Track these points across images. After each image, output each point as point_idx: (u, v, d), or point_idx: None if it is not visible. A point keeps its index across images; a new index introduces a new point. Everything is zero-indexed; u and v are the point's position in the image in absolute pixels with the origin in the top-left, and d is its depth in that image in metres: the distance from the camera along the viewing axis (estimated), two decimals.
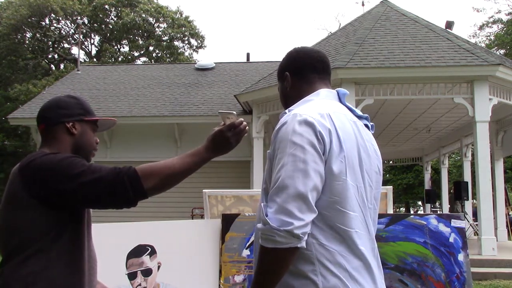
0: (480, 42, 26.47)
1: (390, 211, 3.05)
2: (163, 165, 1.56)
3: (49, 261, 1.53)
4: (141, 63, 29.43)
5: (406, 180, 29.04)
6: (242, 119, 1.66)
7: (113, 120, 1.88)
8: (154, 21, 30.43)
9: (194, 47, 31.67)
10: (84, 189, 1.50)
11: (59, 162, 1.53)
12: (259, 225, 1.38)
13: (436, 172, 22.18)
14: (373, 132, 1.70)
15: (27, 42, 28.89)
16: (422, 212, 26.10)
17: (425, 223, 2.89)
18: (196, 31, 31.01)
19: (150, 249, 2.92)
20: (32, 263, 1.51)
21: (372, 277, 1.51)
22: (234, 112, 1.66)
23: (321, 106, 1.53)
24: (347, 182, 1.46)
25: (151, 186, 1.52)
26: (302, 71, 1.69)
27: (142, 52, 31.70)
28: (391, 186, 3.30)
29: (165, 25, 30.78)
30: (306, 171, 1.38)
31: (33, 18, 27.36)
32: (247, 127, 1.66)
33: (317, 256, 1.42)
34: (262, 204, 1.42)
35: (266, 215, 1.36)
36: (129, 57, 31.07)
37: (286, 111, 1.59)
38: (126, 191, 1.50)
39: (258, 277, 1.42)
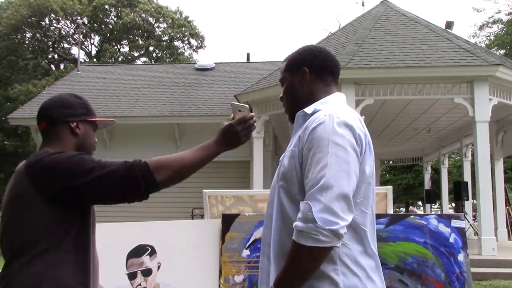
0: (480, 42, 26.48)
1: (390, 211, 3.05)
2: (174, 158, 1.56)
3: (55, 260, 1.49)
4: (141, 63, 29.42)
5: (406, 180, 29.05)
6: (254, 114, 1.65)
7: (113, 120, 1.90)
8: (154, 21, 30.43)
9: (194, 47, 31.68)
10: (96, 184, 1.49)
11: (68, 159, 1.52)
12: (299, 223, 1.35)
13: (436, 172, 22.18)
14: None
15: (27, 42, 28.88)
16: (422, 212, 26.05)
17: (425, 223, 2.89)
18: (196, 31, 31.00)
19: (150, 249, 2.92)
20: (38, 263, 1.48)
21: (381, 277, 1.53)
22: (247, 106, 1.63)
23: (349, 110, 1.54)
24: (371, 185, 1.52)
25: (162, 178, 1.52)
26: (322, 72, 1.67)
27: (142, 52, 31.69)
28: (391, 186, 3.30)
29: (165, 25, 30.78)
30: (349, 172, 1.40)
31: (33, 18, 27.35)
32: (255, 123, 1.66)
33: (339, 255, 1.43)
34: (303, 202, 1.38)
35: (310, 214, 1.33)
36: (129, 57, 31.07)
37: (308, 110, 1.57)
38: (138, 184, 1.49)
39: (291, 274, 1.39)
